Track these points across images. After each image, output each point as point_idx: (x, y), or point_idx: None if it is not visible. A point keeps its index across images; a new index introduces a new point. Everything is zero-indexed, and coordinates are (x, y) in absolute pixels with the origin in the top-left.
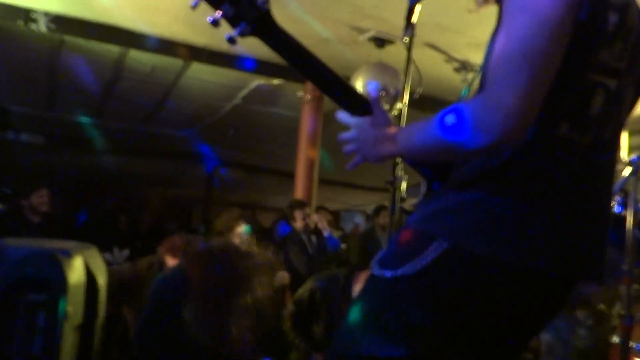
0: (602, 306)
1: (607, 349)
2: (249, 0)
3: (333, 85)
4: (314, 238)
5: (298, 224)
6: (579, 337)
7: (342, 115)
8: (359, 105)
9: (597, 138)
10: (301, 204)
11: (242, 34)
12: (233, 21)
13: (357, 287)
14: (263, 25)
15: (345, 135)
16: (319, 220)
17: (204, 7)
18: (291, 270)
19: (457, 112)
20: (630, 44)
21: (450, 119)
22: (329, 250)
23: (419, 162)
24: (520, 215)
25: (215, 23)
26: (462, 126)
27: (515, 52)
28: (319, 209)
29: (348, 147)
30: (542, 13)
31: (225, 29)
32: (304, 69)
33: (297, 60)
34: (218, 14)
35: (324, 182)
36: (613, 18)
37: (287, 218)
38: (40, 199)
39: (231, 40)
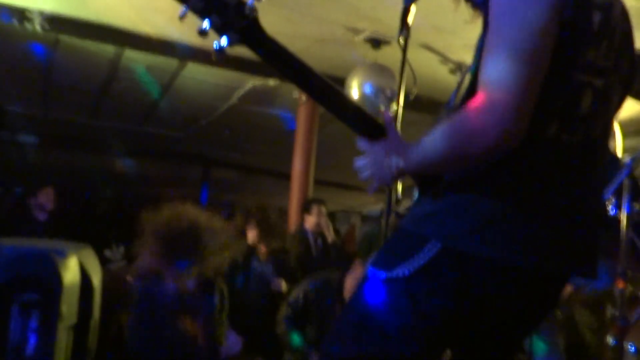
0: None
1: (601, 351)
2: (236, 10)
3: (323, 92)
4: (319, 240)
5: (311, 220)
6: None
7: (361, 142)
8: (350, 112)
9: (586, 137)
10: (319, 200)
11: (230, 43)
12: (221, 31)
13: (347, 286)
14: (250, 34)
15: (360, 162)
16: (327, 226)
17: None
18: (288, 274)
19: (455, 122)
20: (616, 42)
21: (449, 129)
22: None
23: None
24: (512, 215)
25: (203, 33)
26: (462, 134)
27: (506, 55)
28: (320, 202)
29: (364, 174)
30: (528, 15)
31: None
32: (292, 76)
33: (285, 68)
34: (205, 24)
35: (320, 182)
36: (597, 17)
37: (302, 211)
38: (46, 197)
39: (219, 50)
